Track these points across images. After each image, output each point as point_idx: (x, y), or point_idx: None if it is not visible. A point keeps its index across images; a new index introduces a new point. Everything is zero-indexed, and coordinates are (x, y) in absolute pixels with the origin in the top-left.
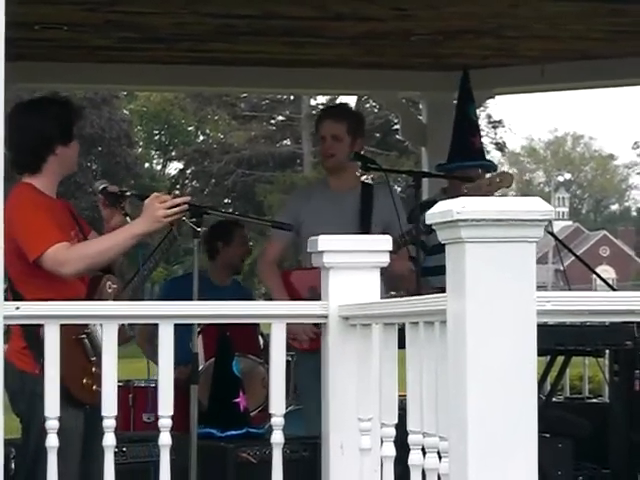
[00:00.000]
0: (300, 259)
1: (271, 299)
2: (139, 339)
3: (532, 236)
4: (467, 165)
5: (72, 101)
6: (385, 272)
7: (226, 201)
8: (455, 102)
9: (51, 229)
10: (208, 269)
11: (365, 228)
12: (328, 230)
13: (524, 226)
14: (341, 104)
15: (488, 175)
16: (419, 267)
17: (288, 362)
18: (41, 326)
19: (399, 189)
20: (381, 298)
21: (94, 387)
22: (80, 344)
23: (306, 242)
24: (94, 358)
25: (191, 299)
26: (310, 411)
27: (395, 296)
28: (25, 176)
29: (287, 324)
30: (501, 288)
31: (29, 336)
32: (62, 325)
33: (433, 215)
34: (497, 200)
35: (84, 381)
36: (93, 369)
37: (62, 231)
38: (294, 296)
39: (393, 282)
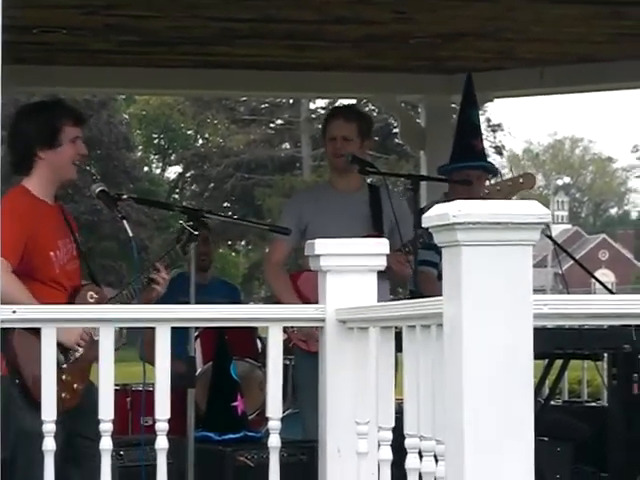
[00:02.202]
0: (300, 262)
1: (274, 303)
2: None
3: (528, 239)
4: (466, 166)
5: (69, 106)
6: (387, 273)
7: (225, 205)
8: (454, 105)
9: (10, 242)
10: None
11: (378, 229)
12: (337, 231)
13: (520, 229)
14: (351, 105)
15: (507, 177)
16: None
17: (286, 365)
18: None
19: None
20: (387, 297)
21: (63, 395)
22: None
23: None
24: (65, 365)
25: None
26: (308, 413)
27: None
28: (22, 177)
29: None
30: (497, 291)
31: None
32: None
33: (430, 218)
34: (493, 203)
35: None
36: (63, 377)
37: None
38: (303, 298)
39: (396, 281)
